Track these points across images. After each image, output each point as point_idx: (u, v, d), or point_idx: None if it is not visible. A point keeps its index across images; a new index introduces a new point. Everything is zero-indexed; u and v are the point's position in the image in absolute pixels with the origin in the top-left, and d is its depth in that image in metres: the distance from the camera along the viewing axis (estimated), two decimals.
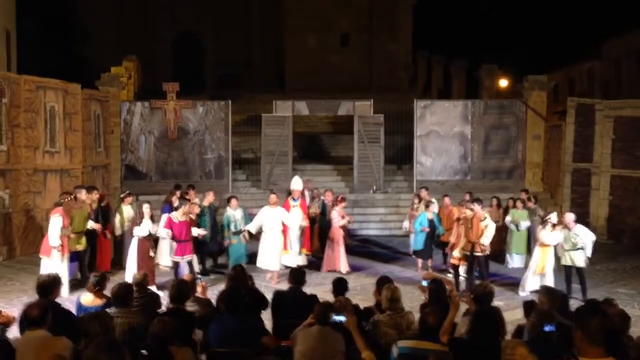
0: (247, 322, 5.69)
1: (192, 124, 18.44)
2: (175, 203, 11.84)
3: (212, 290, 8.25)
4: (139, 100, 19.28)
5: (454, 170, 18.63)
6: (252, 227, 11.84)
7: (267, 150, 18.29)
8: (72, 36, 28.89)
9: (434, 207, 12.63)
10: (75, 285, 10.54)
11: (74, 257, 10.87)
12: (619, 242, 16.13)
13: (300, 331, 5.35)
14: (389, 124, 18.48)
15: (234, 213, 12.25)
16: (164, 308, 6.52)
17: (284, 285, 8.28)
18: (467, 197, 12.49)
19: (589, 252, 10.54)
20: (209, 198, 12.60)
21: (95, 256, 11.77)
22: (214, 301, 6.41)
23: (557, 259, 10.70)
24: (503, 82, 25.92)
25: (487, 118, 18.57)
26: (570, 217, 10.65)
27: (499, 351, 4.53)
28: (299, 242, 12.37)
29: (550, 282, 10.24)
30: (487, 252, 10.92)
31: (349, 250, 13.14)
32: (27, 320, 4.73)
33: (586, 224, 13.42)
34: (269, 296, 6.80)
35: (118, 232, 12.40)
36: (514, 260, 13.20)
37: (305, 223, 12.46)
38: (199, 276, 9.81)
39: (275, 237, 11.62)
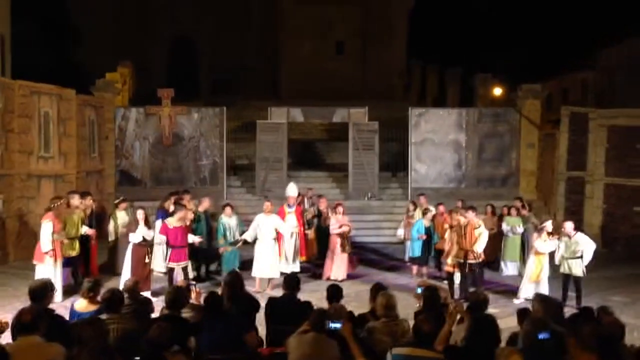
0: (232, 325, 5.69)
1: (187, 130, 18.44)
2: (170, 209, 11.83)
3: None
4: (133, 106, 19.24)
5: (448, 177, 18.67)
6: (248, 236, 11.80)
7: (261, 156, 18.28)
8: (67, 40, 28.89)
9: (431, 215, 12.70)
10: (69, 292, 10.49)
11: (67, 262, 10.82)
12: (613, 250, 16.15)
13: (295, 338, 5.33)
14: (384, 132, 18.54)
15: (228, 221, 12.23)
16: (157, 314, 6.50)
17: (278, 292, 8.26)
18: (460, 204, 12.54)
19: (587, 260, 10.59)
20: (205, 204, 12.57)
21: (88, 262, 11.72)
22: None
23: (553, 266, 10.75)
24: (497, 91, 25.99)
25: (482, 126, 18.63)
26: (569, 225, 10.80)
27: (494, 359, 4.52)
28: (294, 249, 12.35)
29: (545, 289, 10.27)
30: (480, 260, 10.95)
31: (351, 260, 12.58)
32: (20, 326, 4.67)
33: (580, 232, 13.45)
34: (262, 303, 6.78)
35: (112, 237, 12.36)
36: (508, 268, 13.26)
37: (297, 230, 12.44)
38: (193, 282, 9.76)
39: (270, 245, 11.57)
